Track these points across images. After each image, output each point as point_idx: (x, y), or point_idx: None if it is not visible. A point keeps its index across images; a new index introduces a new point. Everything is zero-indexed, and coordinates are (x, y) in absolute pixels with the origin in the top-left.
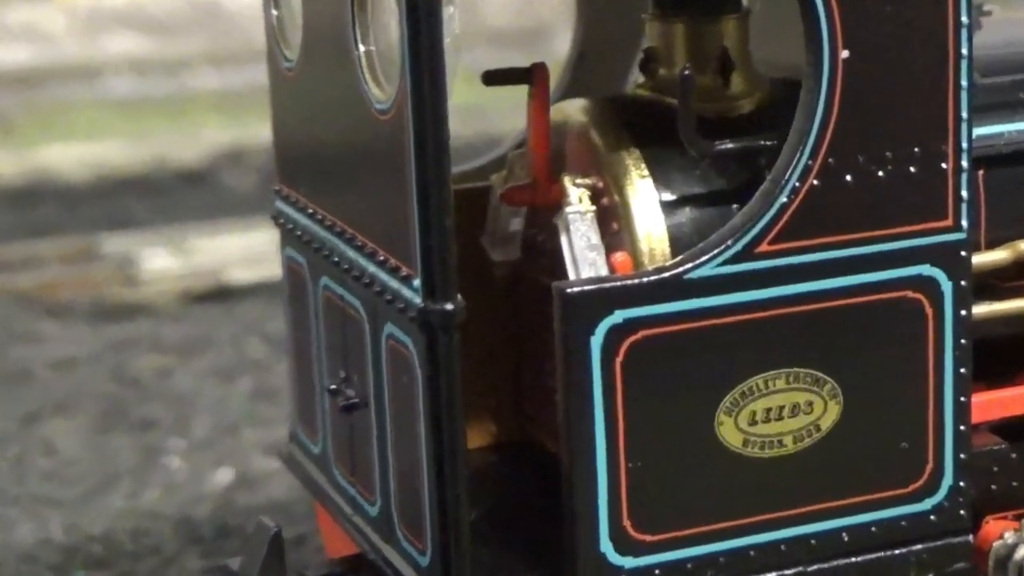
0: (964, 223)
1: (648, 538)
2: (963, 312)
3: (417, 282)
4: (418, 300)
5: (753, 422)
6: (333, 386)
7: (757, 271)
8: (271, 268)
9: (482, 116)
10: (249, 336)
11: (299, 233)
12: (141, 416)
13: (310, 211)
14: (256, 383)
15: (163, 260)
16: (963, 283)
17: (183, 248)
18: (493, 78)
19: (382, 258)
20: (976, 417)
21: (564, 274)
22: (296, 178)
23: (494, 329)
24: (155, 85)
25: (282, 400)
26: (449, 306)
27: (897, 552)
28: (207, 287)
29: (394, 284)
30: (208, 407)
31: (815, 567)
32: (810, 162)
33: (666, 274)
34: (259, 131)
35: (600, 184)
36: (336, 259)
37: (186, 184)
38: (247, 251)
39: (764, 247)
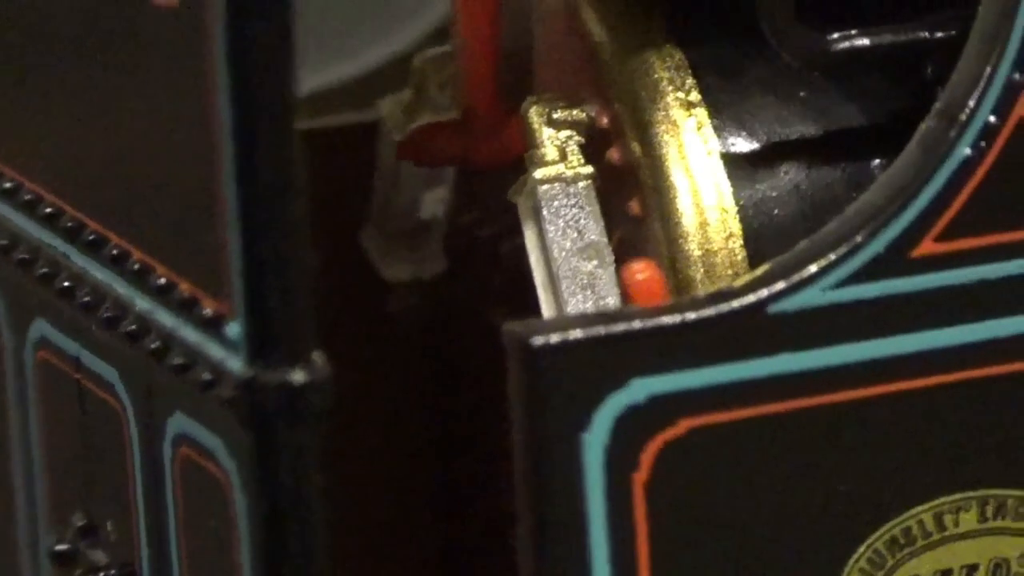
0: None
1: None
2: None
3: (236, 328)
4: (238, 364)
5: None
6: (61, 546)
7: (915, 296)
8: None
9: None
10: None
11: None
12: None
13: (5, 185)
14: None
15: None
16: None
17: None
18: None
19: (161, 281)
20: None
21: (531, 304)
22: None
23: (392, 421)
24: None
25: None
26: (300, 375)
27: None
28: None
29: (188, 333)
30: None
31: None
32: (1017, 75)
33: (736, 303)
34: None
35: (605, 120)
36: (65, 282)
37: None
38: None
39: (927, 246)
